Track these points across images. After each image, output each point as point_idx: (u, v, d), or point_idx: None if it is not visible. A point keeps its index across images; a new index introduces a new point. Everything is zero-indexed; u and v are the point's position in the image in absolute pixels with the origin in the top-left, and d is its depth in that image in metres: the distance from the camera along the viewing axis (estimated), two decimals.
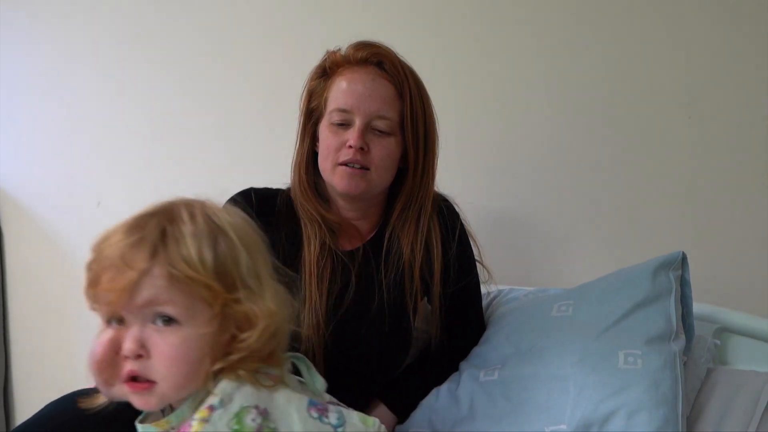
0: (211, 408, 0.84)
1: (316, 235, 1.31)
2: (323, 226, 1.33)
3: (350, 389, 1.10)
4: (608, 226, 1.68)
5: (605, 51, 1.66)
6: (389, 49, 1.35)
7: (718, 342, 1.42)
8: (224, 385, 0.85)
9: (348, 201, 1.36)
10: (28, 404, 2.29)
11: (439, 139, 1.39)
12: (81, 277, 2.25)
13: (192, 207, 0.91)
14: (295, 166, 1.39)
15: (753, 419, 1.25)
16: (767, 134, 1.55)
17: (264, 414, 0.84)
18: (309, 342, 1.26)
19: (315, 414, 0.87)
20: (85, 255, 2.36)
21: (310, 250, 1.30)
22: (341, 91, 1.31)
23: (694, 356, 1.34)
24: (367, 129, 1.30)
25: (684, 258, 1.34)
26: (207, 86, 2.06)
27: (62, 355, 2.23)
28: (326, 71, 1.36)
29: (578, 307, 1.34)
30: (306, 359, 0.97)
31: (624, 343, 1.24)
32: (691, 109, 1.60)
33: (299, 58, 1.89)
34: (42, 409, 1.22)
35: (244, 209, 1.32)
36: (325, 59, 1.36)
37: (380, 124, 1.30)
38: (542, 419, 1.21)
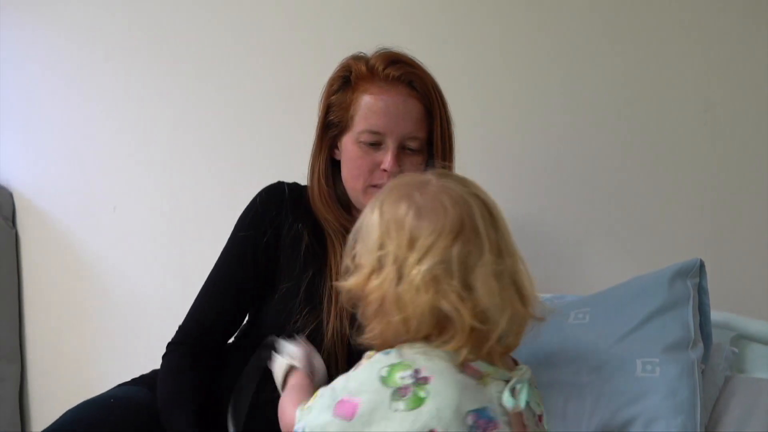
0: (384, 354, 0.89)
1: (341, 244, 1.30)
2: (346, 234, 1.32)
3: None
4: (625, 233, 1.67)
5: (622, 57, 1.66)
6: (418, 64, 1.32)
7: (736, 350, 1.42)
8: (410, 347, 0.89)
9: None
10: (43, 408, 2.30)
11: (455, 146, 1.38)
12: (97, 281, 2.26)
13: None
14: (313, 176, 1.37)
15: None
16: None
17: (420, 380, 0.85)
18: (333, 350, 1.25)
19: (471, 421, 0.85)
20: (100, 259, 2.37)
21: (337, 257, 1.30)
22: (371, 112, 1.27)
23: (711, 364, 1.33)
24: (400, 150, 1.28)
25: (702, 265, 1.34)
26: (224, 90, 2.06)
27: (79, 360, 2.24)
28: (349, 83, 1.31)
29: (595, 315, 1.34)
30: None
31: (641, 351, 1.24)
32: (707, 115, 1.59)
33: (318, 62, 1.91)
34: (61, 417, 1.24)
35: (276, 200, 1.35)
36: (348, 69, 1.32)
37: (412, 144, 1.29)
38: (559, 427, 1.21)
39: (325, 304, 1.28)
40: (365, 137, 1.28)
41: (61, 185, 2.27)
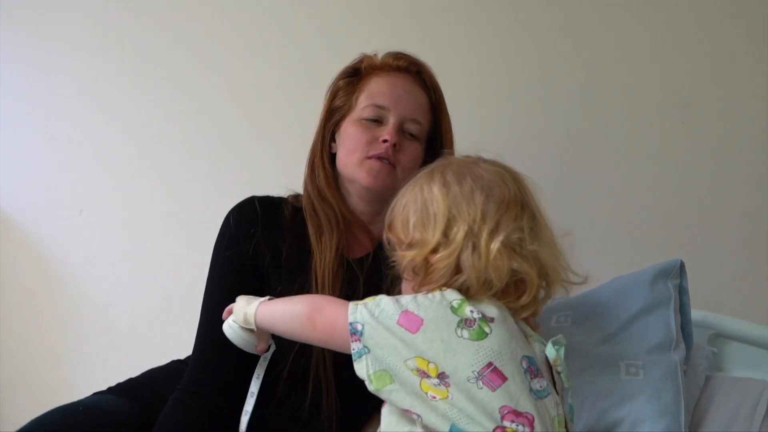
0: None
1: (329, 240, 1.29)
2: (341, 225, 1.31)
3: (362, 403, 1.07)
4: (603, 233, 1.67)
5: (599, 57, 1.66)
6: (425, 63, 1.38)
7: (715, 350, 1.42)
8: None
9: (366, 200, 1.34)
10: (11, 417, 2.24)
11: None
12: (64, 286, 2.21)
13: None
14: (315, 162, 1.37)
15: (752, 427, 1.25)
16: (761, 139, 1.56)
17: (487, 318, 0.94)
18: (320, 354, 1.24)
19: (525, 365, 0.94)
20: (67, 262, 2.31)
21: (323, 258, 1.28)
22: (377, 89, 1.32)
23: (692, 364, 1.33)
24: (400, 129, 1.30)
25: (682, 266, 1.34)
26: (191, 93, 2.02)
27: (47, 367, 2.18)
28: (359, 72, 1.36)
29: (577, 318, 1.34)
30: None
31: (625, 353, 1.24)
32: (684, 114, 1.60)
33: (287, 66, 1.89)
34: (24, 426, 1.19)
35: (249, 218, 1.33)
36: (361, 61, 1.38)
37: (412, 128, 1.31)
38: None
39: None
40: (368, 112, 1.31)
41: (25, 187, 2.20)
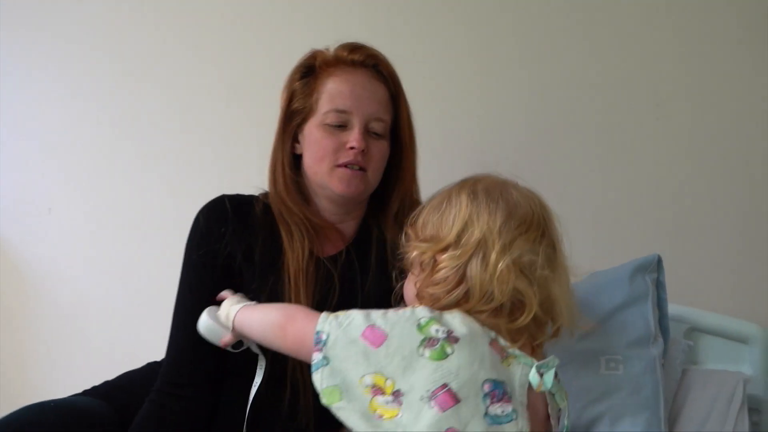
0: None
1: (301, 241, 1.28)
2: (310, 229, 1.29)
3: None
4: (580, 229, 1.67)
5: (574, 55, 1.67)
6: (380, 52, 1.33)
7: (691, 343, 1.44)
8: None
9: (337, 204, 1.33)
10: None
11: (419, 144, 1.37)
12: (32, 287, 2.16)
13: None
14: (276, 167, 1.33)
15: (728, 419, 1.27)
16: (734, 136, 1.59)
17: (451, 339, 0.92)
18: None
19: (487, 389, 0.91)
20: (36, 263, 2.26)
21: (295, 257, 1.26)
22: (337, 92, 1.27)
23: (669, 358, 1.35)
24: (366, 131, 1.27)
25: (659, 261, 1.35)
26: (164, 89, 1.99)
27: (15, 370, 2.14)
28: (313, 70, 1.31)
29: None
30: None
31: (604, 348, 1.25)
32: (658, 111, 1.62)
33: (264, 61, 1.87)
34: None
35: (219, 217, 1.31)
36: (313, 58, 1.32)
37: (377, 127, 1.28)
38: None
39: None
40: (331, 118, 1.27)
41: None
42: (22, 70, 2.09)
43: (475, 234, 0.96)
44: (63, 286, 2.07)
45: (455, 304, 0.96)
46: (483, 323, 0.94)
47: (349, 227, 1.36)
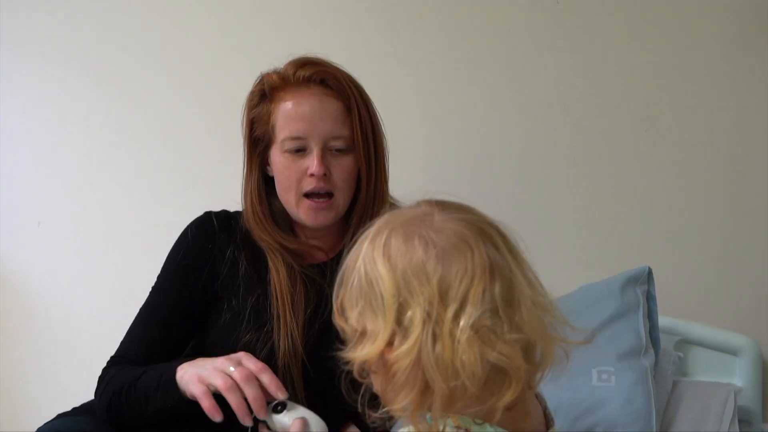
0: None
1: (281, 262, 1.27)
2: (286, 253, 1.28)
3: (329, 394, 1.07)
4: (571, 239, 1.69)
5: (565, 64, 1.69)
6: (328, 62, 1.28)
7: (681, 355, 1.46)
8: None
9: (312, 229, 1.32)
10: None
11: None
12: (21, 301, 2.13)
13: None
14: (246, 196, 1.32)
15: (721, 429, 1.27)
16: (725, 146, 1.60)
17: None
18: (287, 369, 1.22)
19: None
20: (25, 277, 2.24)
21: (279, 276, 1.26)
22: (290, 118, 1.25)
23: (660, 369, 1.36)
24: (325, 152, 1.25)
25: (650, 273, 1.37)
26: (153, 105, 1.99)
27: (6, 382, 2.12)
28: (265, 95, 1.28)
29: None
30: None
31: (596, 360, 1.25)
32: (649, 121, 1.63)
33: (256, 72, 1.87)
34: None
35: (207, 233, 1.31)
36: (262, 83, 1.29)
37: (337, 144, 1.25)
38: None
39: (275, 325, 1.24)
40: (288, 144, 1.25)
41: None
42: (11, 84, 2.08)
43: (417, 312, 0.73)
44: (53, 299, 2.06)
45: (447, 404, 0.74)
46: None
47: (330, 242, 1.35)
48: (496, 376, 0.73)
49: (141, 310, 1.32)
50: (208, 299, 1.29)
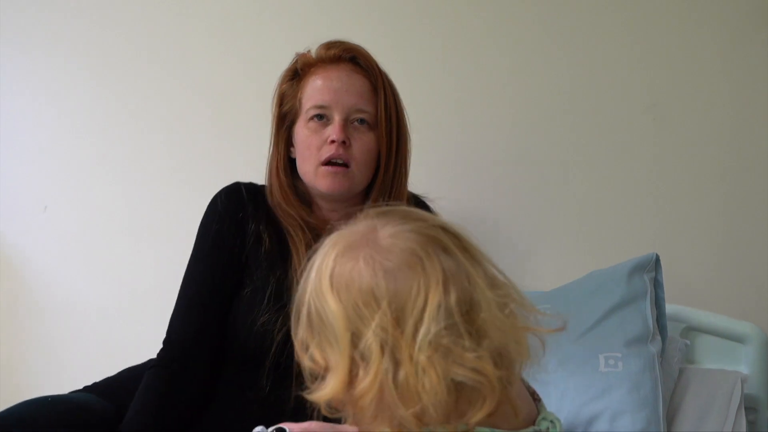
0: None
1: (302, 241, 1.29)
2: (307, 231, 1.30)
3: None
4: (578, 228, 1.69)
5: (570, 54, 1.68)
6: (360, 46, 1.34)
7: (688, 342, 1.45)
8: None
9: (331, 202, 1.34)
10: None
11: (409, 126, 1.37)
12: (27, 285, 2.14)
13: None
14: (272, 171, 1.35)
15: (728, 419, 1.27)
16: (729, 136, 1.60)
17: None
18: None
19: None
20: (31, 262, 2.24)
21: (300, 258, 1.27)
22: (317, 89, 1.30)
23: (667, 357, 1.35)
24: (347, 123, 1.29)
25: (657, 260, 1.36)
26: (158, 89, 1.99)
27: (9, 368, 2.12)
28: (298, 73, 1.34)
29: (555, 311, 1.34)
30: None
31: (604, 346, 1.25)
32: (654, 111, 1.63)
33: (255, 64, 1.87)
34: None
35: (237, 201, 1.32)
36: (296, 61, 1.35)
37: (359, 116, 1.29)
38: None
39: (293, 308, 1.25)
40: (312, 113, 1.29)
41: None
42: (17, 68, 2.08)
43: (372, 340, 0.69)
44: (58, 283, 2.06)
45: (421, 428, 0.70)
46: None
47: (351, 217, 1.35)
48: (470, 393, 0.70)
49: (183, 282, 1.32)
50: (238, 266, 1.30)
